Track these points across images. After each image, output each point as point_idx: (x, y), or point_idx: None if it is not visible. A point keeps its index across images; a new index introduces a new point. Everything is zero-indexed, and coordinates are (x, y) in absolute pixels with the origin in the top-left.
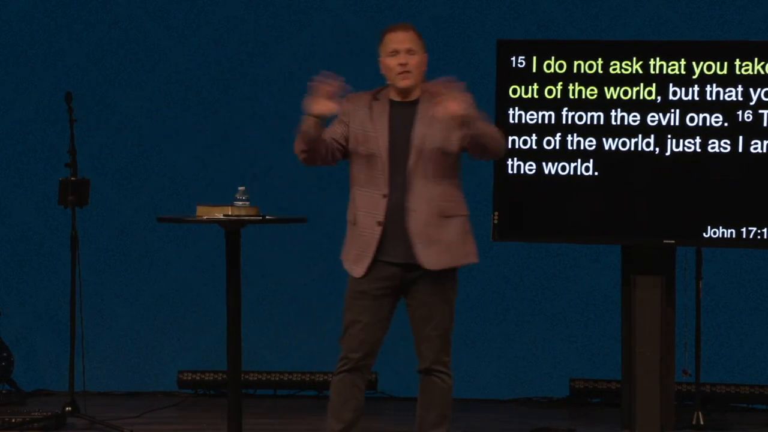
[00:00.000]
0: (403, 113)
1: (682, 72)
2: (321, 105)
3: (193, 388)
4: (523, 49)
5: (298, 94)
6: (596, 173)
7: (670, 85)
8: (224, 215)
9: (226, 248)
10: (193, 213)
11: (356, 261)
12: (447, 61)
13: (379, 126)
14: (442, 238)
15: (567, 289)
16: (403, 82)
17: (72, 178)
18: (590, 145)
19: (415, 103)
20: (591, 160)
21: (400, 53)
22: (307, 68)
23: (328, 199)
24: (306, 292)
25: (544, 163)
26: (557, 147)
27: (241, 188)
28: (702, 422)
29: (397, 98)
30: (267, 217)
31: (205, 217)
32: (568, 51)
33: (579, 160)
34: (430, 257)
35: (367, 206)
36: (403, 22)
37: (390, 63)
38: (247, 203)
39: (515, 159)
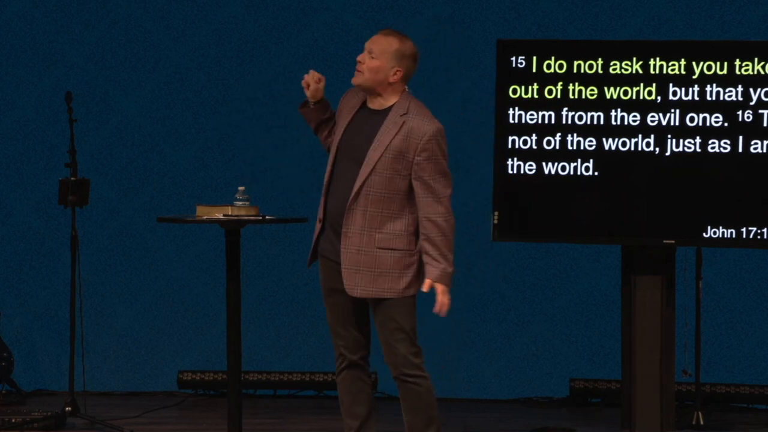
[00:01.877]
0: (368, 120)
1: (682, 72)
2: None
3: (193, 388)
4: (523, 49)
5: (298, 94)
6: (596, 173)
7: (670, 85)
8: (224, 215)
9: (226, 248)
10: (193, 213)
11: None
12: (447, 60)
13: (340, 125)
14: (372, 268)
15: (567, 289)
16: (353, 79)
17: (72, 178)
18: (590, 145)
19: (385, 113)
20: (591, 160)
21: (363, 52)
22: (306, 68)
23: None
24: (306, 293)
25: (544, 163)
26: (557, 147)
27: (240, 188)
28: (702, 422)
29: (369, 104)
30: (267, 217)
31: (204, 217)
32: (568, 51)
33: (579, 160)
34: (354, 284)
35: (321, 201)
36: (388, 28)
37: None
38: (247, 203)
39: (515, 159)
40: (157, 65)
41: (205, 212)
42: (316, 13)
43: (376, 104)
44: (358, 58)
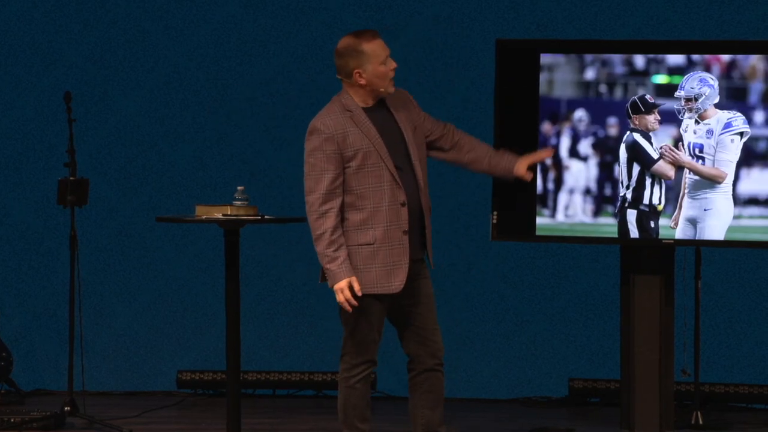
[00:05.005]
0: (381, 117)
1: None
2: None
3: (192, 387)
4: (522, 49)
5: (297, 93)
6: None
7: None
8: (223, 215)
9: (225, 248)
10: (192, 213)
11: (388, 276)
12: (446, 60)
13: (374, 138)
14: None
15: (566, 288)
16: (392, 87)
17: (71, 178)
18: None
19: (383, 105)
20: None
21: (390, 59)
22: (305, 68)
23: None
24: (305, 292)
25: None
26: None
27: (240, 188)
28: (701, 422)
29: (367, 104)
30: (266, 216)
31: (204, 217)
32: (567, 50)
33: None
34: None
35: (388, 219)
36: (371, 29)
37: (384, 70)
38: (246, 203)
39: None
40: (156, 65)
41: (204, 212)
42: (315, 13)
43: (370, 103)
44: (394, 65)
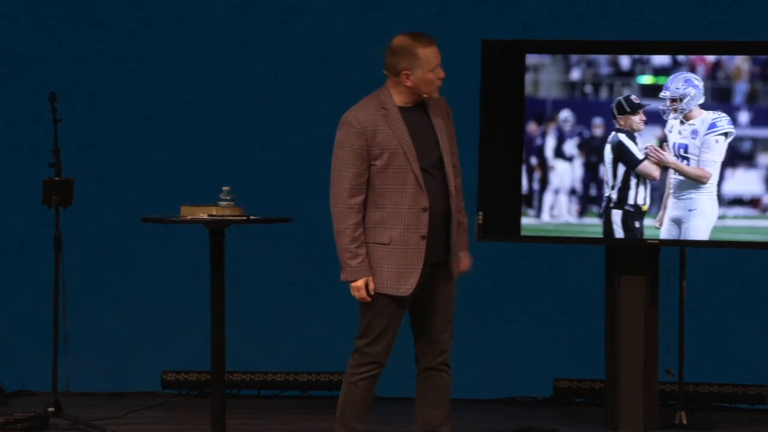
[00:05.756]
0: (417, 118)
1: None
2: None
3: (177, 388)
4: (508, 49)
5: (283, 94)
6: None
7: None
8: (208, 215)
9: (210, 248)
10: (177, 213)
11: (399, 279)
12: None
13: (403, 140)
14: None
15: (551, 289)
16: (437, 93)
17: (56, 178)
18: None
19: (422, 107)
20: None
21: (440, 67)
22: (292, 69)
23: (313, 199)
24: (290, 293)
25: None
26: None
27: (225, 188)
28: (685, 422)
29: (406, 103)
30: (251, 217)
31: (189, 218)
32: (553, 51)
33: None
34: (458, 262)
35: (407, 222)
36: (428, 34)
37: (432, 77)
38: (232, 203)
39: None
40: (141, 65)
41: (189, 212)
42: (302, 14)
43: (410, 103)
44: (443, 75)
